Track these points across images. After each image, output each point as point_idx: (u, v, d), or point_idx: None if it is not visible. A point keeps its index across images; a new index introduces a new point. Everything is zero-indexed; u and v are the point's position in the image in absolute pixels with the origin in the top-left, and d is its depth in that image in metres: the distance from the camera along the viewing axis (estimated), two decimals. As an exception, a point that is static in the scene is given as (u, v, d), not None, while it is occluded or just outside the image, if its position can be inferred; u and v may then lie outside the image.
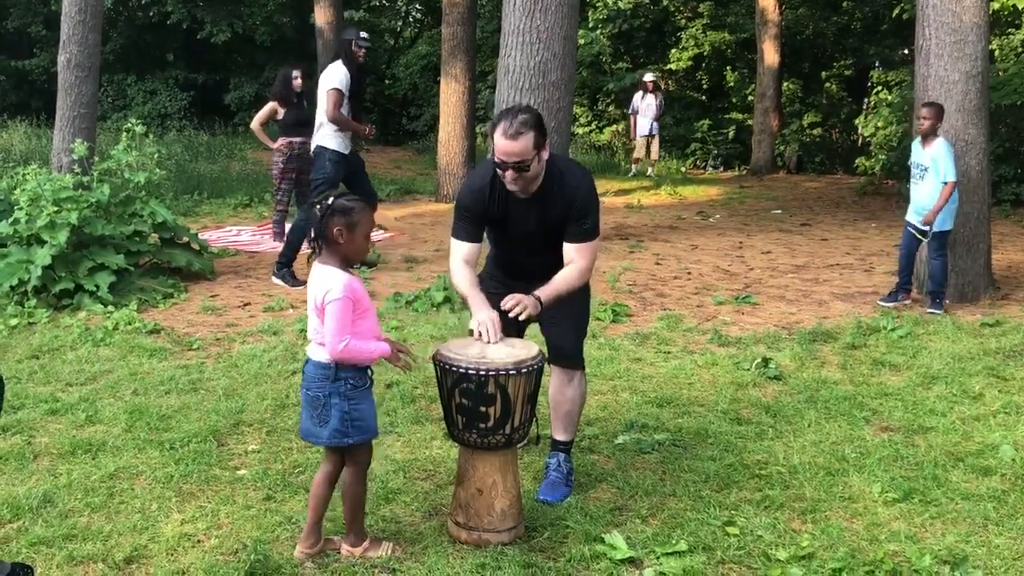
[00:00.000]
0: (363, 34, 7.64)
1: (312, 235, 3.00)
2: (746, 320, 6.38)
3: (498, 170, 3.34)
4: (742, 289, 7.32)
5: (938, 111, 6.45)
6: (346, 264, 3.00)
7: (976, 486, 3.71)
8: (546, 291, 3.38)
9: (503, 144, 3.26)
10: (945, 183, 6.37)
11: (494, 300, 3.63)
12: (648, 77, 15.65)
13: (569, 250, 3.45)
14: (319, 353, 3.01)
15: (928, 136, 6.48)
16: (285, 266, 7.41)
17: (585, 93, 19.61)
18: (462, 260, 3.50)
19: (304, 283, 7.42)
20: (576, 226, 3.42)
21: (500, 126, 3.27)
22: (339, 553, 3.12)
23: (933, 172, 6.43)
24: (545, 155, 3.36)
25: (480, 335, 3.26)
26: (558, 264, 3.46)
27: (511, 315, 3.28)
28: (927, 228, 6.51)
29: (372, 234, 3.05)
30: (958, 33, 6.65)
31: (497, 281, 3.68)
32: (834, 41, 19.40)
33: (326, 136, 7.30)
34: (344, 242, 2.95)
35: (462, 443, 3.25)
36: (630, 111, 15.60)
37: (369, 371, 3.08)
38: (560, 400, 3.66)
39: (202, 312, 6.46)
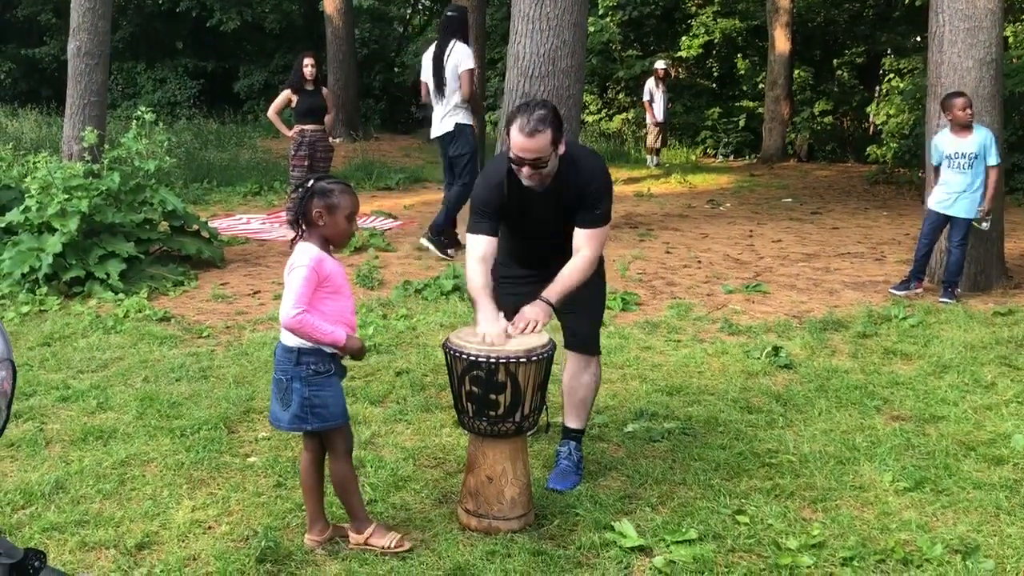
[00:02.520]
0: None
1: (293, 217, 3.00)
2: (756, 309, 6.36)
3: (513, 166, 3.30)
4: (752, 278, 7.30)
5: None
6: (327, 246, 2.99)
7: (988, 475, 3.69)
8: (554, 291, 3.35)
9: (520, 141, 3.21)
10: (993, 167, 6.39)
11: (507, 298, 3.62)
12: (660, 65, 15.57)
13: (579, 236, 3.41)
14: (285, 335, 2.99)
15: (967, 127, 6.41)
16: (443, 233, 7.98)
17: (595, 81, 19.55)
18: (479, 258, 3.40)
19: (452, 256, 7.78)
20: (588, 212, 3.40)
21: (517, 123, 3.22)
22: (349, 540, 3.13)
23: (982, 159, 6.40)
24: (562, 149, 3.32)
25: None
26: (571, 246, 3.44)
27: (536, 332, 3.26)
28: (985, 219, 6.53)
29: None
30: (972, 19, 6.59)
31: (509, 269, 3.66)
32: (846, 28, 19.27)
33: (461, 113, 7.77)
34: (325, 224, 2.94)
35: (472, 431, 3.25)
36: (646, 99, 15.43)
37: (335, 358, 3.03)
38: (575, 386, 3.65)
39: (212, 300, 6.48)
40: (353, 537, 3.12)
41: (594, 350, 3.65)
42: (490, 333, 3.20)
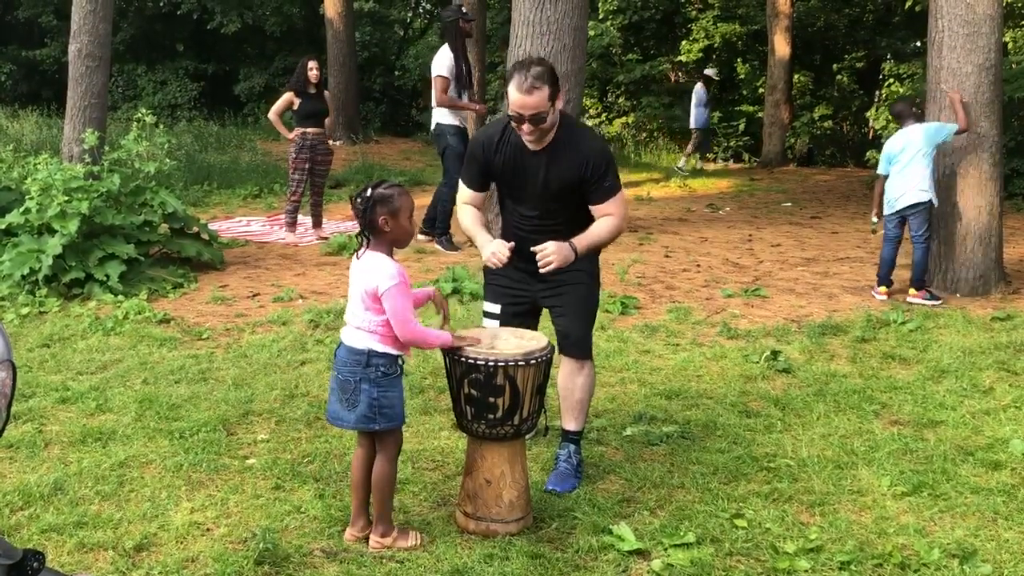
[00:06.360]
0: (462, 8, 8.58)
1: (359, 227, 3.07)
2: (755, 313, 6.37)
3: (513, 123, 3.36)
4: (751, 282, 7.30)
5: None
6: (392, 249, 3.07)
7: (986, 480, 3.70)
8: (582, 241, 3.43)
9: (518, 98, 3.27)
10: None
11: (502, 295, 3.63)
12: (709, 71, 15.84)
13: (599, 211, 3.48)
14: (353, 338, 3.05)
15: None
16: (444, 233, 8.27)
17: (595, 85, 19.56)
18: (466, 203, 3.62)
19: (459, 247, 8.06)
20: (598, 186, 3.44)
21: (515, 80, 3.29)
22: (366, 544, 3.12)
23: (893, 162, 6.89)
24: (559, 104, 3.39)
25: (494, 264, 3.40)
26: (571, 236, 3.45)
27: (541, 270, 3.35)
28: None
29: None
30: (971, 25, 6.61)
31: (507, 267, 3.66)
32: (846, 33, 19.30)
33: (440, 112, 8.09)
34: (390, 229, 3.03)
35: (471, 434, 3.25)
36: (699, 104, 15.35)
37: (400, 360, 3.10)
38: (570, 388, 3.66)
39: (212, 302, 6.48)
40: (377, 541, 3.10)
41: (587, 353, 3.66)
42: (497, 250, 3.38)
